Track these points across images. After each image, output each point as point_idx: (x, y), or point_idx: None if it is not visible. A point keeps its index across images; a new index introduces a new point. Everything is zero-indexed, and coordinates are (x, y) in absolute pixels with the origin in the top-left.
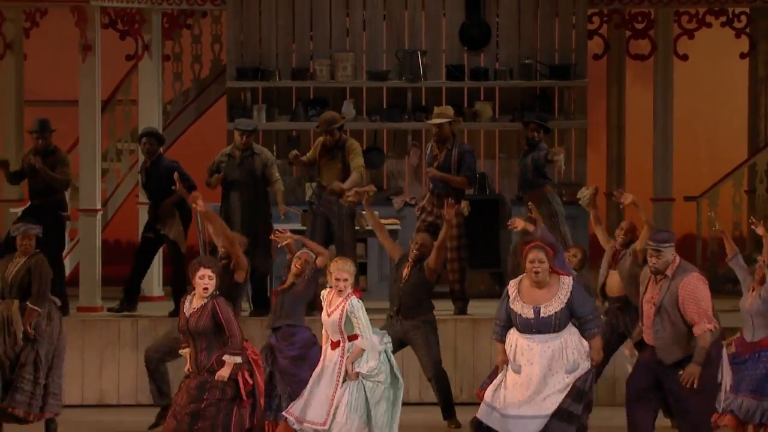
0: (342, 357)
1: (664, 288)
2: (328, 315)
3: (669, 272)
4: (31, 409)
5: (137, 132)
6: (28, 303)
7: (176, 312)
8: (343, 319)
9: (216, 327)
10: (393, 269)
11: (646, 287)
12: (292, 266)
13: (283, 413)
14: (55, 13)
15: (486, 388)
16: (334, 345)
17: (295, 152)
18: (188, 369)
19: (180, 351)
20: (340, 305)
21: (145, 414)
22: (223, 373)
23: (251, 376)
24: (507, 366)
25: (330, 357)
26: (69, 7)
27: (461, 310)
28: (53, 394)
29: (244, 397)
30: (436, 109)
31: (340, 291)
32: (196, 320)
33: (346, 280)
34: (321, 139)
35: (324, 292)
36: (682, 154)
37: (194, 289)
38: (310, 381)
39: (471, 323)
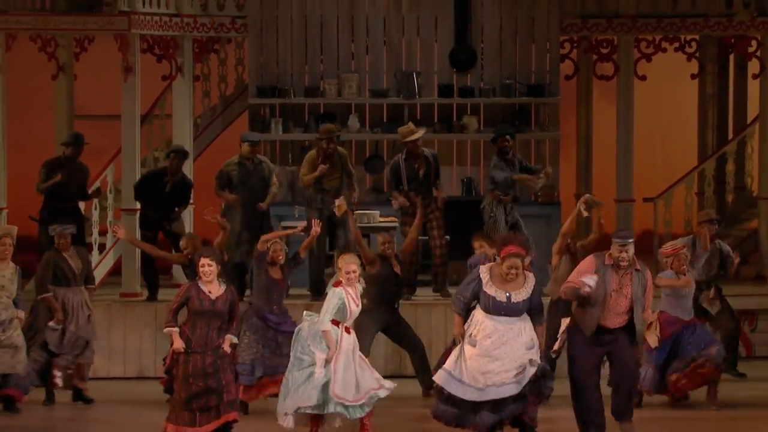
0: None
1: (636, 280)
2: (357, 305)
3: (638, 266)
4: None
5: (171, 142)
6: (89, 285)
7: None
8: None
9: (230, 312)
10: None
11: (607, 278)
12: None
13: (334, 396)
14: (101, 39)
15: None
16: (348, 330)
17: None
18: (182, 348)
19: (166, 331)
20: (358, 294)
21: (149, 382)
22: (227, 347)
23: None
24: (462, 339)
25: (347, 342)
26: (113, 35)
27: (440, 288)
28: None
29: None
30: (404, 128)
31: (351, 281)
32: (223, 303)
33: (355, 271)
34: (312, 153)
35: (331, 282)
36: (641, 161)
37: (199, 277)
38: (340, 364)
39: (446, 306)
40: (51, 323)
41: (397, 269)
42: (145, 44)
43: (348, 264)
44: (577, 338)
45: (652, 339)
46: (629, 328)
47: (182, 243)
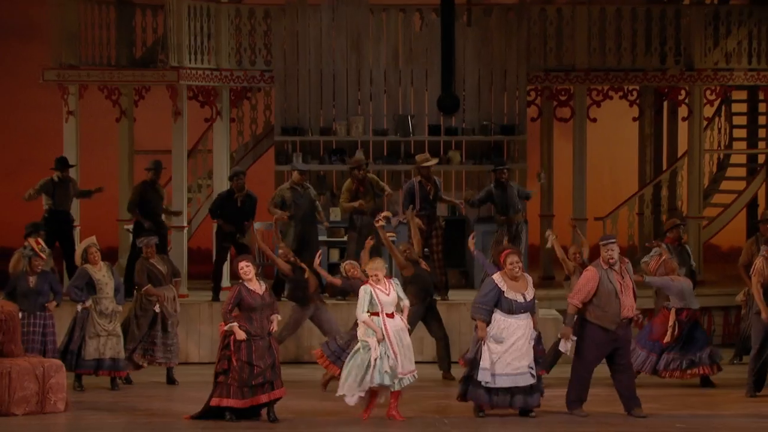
0: (403, 323)
1: (625, 273)
2: (387, 295)
3: (626, 260)
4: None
5: (212, 172)
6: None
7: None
8: (398, 294)
9: (272, 300)
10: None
11: (610, 281)
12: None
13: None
14: (156, 89)
15: (465, 358)
16: (390, 315)
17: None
18: (243, 338)
19: (227, 327)
20: (391, 286)
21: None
22: (274, 327)
23: None
24: (486, 339)
25: (392, 324)
26: (165, 85)
27: (444, 296)
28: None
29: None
30: (422, 156)
31: (378, 280)
32: (269, 296)
33: (376, 275)
34: (348, 182)
35: (366, 287)
36: (593, 187)
37: (241, 279)
38: (393, 343)
39: (447, 306)
40: (155, 308)
41: (427, 267)
42: (191, 93)
43: (372, 270)
44: (590, 337)
45: (669, 334)
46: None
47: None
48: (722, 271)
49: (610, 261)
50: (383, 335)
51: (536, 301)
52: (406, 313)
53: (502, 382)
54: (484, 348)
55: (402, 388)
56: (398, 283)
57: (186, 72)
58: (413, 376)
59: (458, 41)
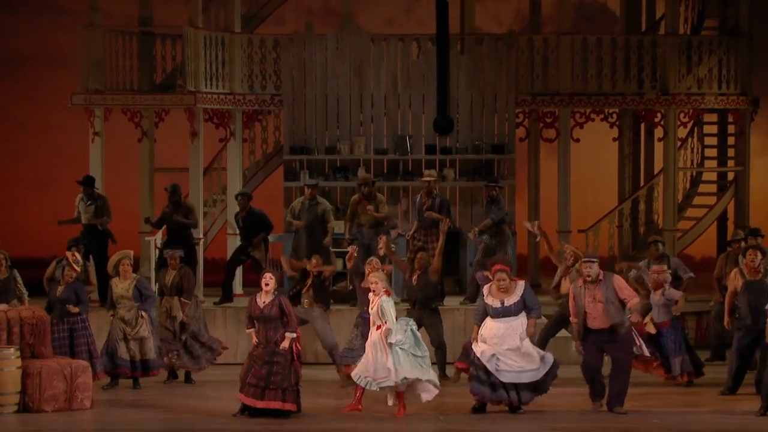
0: (381, 336)
1: (604, 289)
2: (372, 307)
3: (601, 278)
4: (190, 364)
5: (226, 188)
6: (182, 298)
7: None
8: (379, 311)
9: (281, 314)
10: (408, 279)
11: (581, 295)
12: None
13: (359, 375)
14: (174, 112)
15: (462, 361)
16: (378, 327)
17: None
18: (255, 342)
19: (247, 331)
20: (375, 302)
21: (232, 367)
22: (285, 344)
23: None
24: (478, 340)
25: (377, 335)
26: (183, 108)
27: (441, 302)
28: (197, 357)
29: (296, 359)
30: (426, 171)
31: (374, 292)
32: (269, 309)
33: (376, 283)
34: (355, 197)
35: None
36: (576, 202)
37: (261, 289)
38: (369, 350)
39: (443, 312)
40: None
41: (433, 278)
42: (206, 115)
43: (372, 279)
44: (585, 341)
45: (650, 327)
46: (629, 335)
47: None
48: (695, 280)
49: (587, 278)
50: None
51: (537, 306)
52: (384, 332)
53: (503, 378)
54: (474, 345)
55: (372, 389)
56: (389, 304)
57: (202, 96)
58: (381, 384)
59: (452, 68)
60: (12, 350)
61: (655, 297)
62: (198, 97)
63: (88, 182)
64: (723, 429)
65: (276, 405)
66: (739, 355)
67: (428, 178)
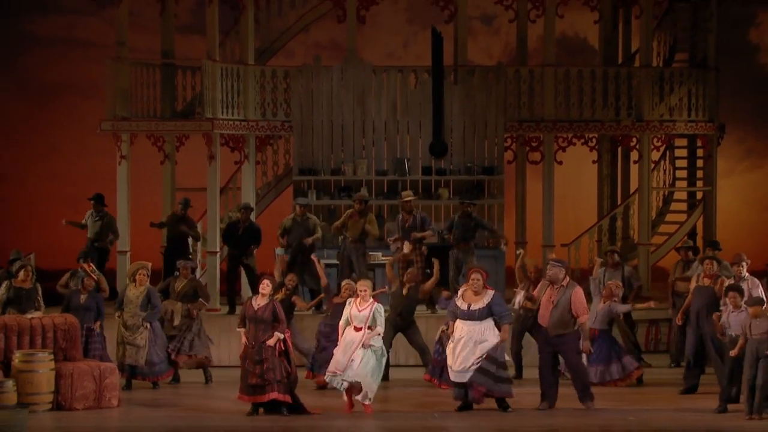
0: (363, 337)
1: (560, 293)
2: (359, 311)
3: (564, 284)
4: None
5: (240, 205)
6: (200, 300)
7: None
8: (371, 316)
9: (273, 317)
10: (396, 289)
11: (544, 292)
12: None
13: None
14: (194, 137)
15: (431, 375)
16: (357, 329)
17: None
18: (244, 342)
19: (237, 330)
20: (369, 307)
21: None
22: (271, 342)
23: (285, 344)
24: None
25: (352, 336)
26: (202, 134)
27: (433, 309)
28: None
29: (284, 357)
30: (404, 192)
31: (363, 298)
32: (263, 312)
33: (365, 290)
34: (350, 210)
35: (350, 300)
36: (559, 219)
37: (257, 292)
38: (339, 349)
39: (436, 319)
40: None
41: (421, 297)
42: (223, 140)
43: (361, 285)
44: (538, 340)
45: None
46: (575, 337)
47: (288, 278)
48: (667, 289)
49: (547, 277)
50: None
51: (506, 313)
52: (368, 337)
53: (455, 377)
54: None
55: (340, 387)
56: (381, 311)
57: (219, 122)
58: (348, 381)
59: (446, 97)
60: (46, 354)
61: (600, 305)
62: (215, 124)
63: (98, 199)
64: (687, 425)
65: (275, 396)
66: (692, 356)
67: (408, 198)
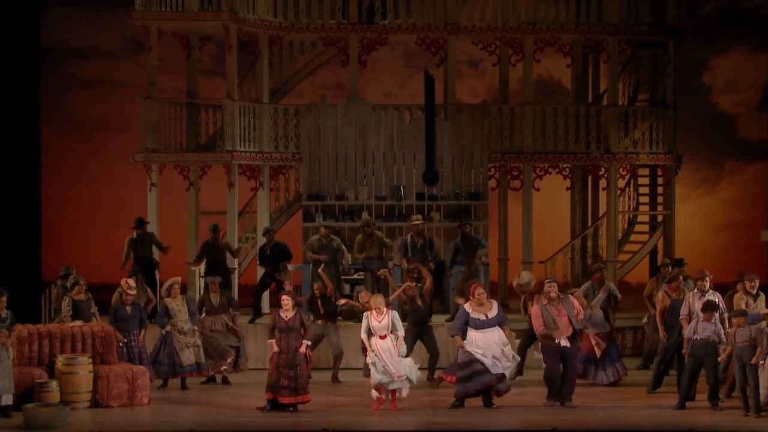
0: (392, 342)
1: (564, 305)
2: (379, 322)
3: (561, 296)
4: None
5: (256, 228)
6: (232, 312)
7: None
8: (390, 323)
9: (300, 326)
10: (409, 302)
11: (549, 311)
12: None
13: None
14: (215, 166)
15: (449, 374)
16: (382, 337)
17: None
18: (276, 350)
19: (269, 342)
20: (386, 315)
21: (261, 372)
22: (303, 349)
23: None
24: (464, 346)
25: (383, 345)
26: (222, 164)
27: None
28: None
29: (309, 362)
30: (414, 216)
31: (378, 311)
32: (293, 321)
33: (379, 308)
34: (359, 236)
35: (366, 314)
36: (537, 239)
37: (281, 306)
38: (383, 357)
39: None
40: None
41: (420, 303)
42: (241, 169)
43: (374, 303)
44: (549, 350)
45: (598, 351)
46: (574, 339)
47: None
48: (632, 301)
49: (550, 295)
50: (371, 349)
51: (506, 318)
52: (399, 341)
53: (495, 371)
54: (461, 351)
55: (396, 387)
56: (397, 316)
57: (237, 154)
58: (405, 380)
59: (438, 131)
60: (85, 358)
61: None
62: (234, 155)
63: (138, 224)
64: (653, 420)
65: (305, 398)
66: (662, 360)
67: (417, 221)
